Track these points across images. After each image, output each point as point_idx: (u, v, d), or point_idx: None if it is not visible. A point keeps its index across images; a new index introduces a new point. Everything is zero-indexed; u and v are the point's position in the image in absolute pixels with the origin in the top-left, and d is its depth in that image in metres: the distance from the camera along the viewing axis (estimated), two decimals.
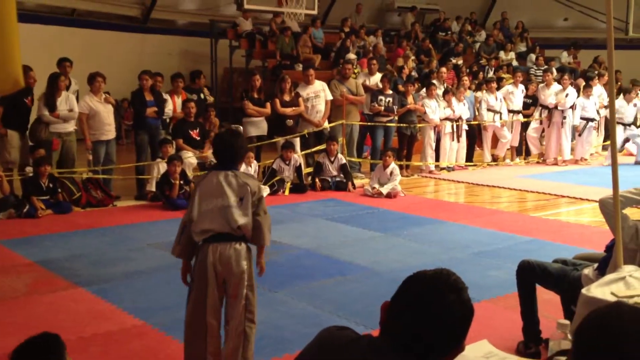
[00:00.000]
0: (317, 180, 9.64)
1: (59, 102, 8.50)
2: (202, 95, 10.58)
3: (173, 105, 9.95)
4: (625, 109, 12.36)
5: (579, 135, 12.29)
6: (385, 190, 9.14)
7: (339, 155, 9.93)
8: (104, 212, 8.29)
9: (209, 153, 9.65)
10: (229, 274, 3.43)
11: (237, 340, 3.44)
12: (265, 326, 4.42)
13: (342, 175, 9.77)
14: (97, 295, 5.04)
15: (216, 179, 3.45)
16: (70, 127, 8.68)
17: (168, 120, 9.84)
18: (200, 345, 3.46)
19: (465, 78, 12.56)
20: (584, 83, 12.98)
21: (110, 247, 6.49)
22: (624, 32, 16.98)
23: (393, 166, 9.43)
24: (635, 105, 12.59)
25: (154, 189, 8.82)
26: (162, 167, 8.83)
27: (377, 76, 11.56)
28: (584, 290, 2.92)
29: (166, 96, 9.81)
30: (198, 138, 9.54)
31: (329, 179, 9.71)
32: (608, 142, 12.51)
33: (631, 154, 13.16)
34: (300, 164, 9.75)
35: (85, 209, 8.34)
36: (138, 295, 5.04)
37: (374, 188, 9.25)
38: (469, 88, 12.29)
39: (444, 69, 12.90)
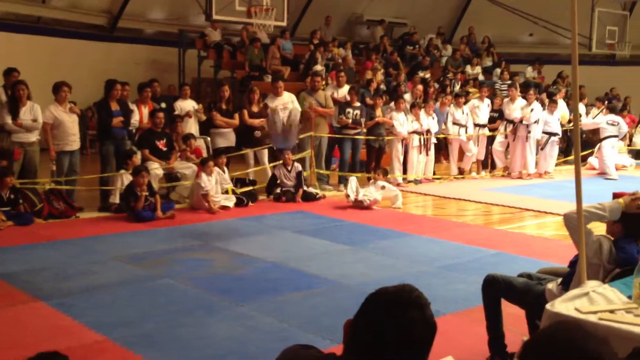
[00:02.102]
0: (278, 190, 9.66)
1: (22, 112, 8.34)
2: (162, 104, 10.52)
3: (140, 115, 9.85)
4: (551, 118, 12.54)
5: (542, 149, 12.47)
6: (367, 199, 9.15)
7: (295, 164, 9.90)
8: (66, 224, 8.13)
9: (175, 164, 9.56)
10: None
11: None
12: (230, 341, 4.37)
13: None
14: (57, 310, 4.92)
15: None
16: (33, 137, 8.50)
17: (134, 130, 9.72)
18: None
19: (449, 97, 12.63)
20: (547, 100, 13.17)
21: (73, 260, 6.34)
22: (587, 48, 17.37)
23: (384, 183, 9.48)
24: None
25: (117, 201, 8.68)
26: (126, 178, 8.70)
27: (345, 88, 11.60)
28: (548, 306, 2.93)
29: (132, 106, 9.69)
30: (165, 149, 9.44)
31: (292, 190, 9.68)
32: (571, 157, 12.73)
33: (593, 168, 13.40)
34: (301, 170, 9.92)
35: (47, 220, 8.17)
36: (100, 310, 4.94)
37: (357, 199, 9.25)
38: (444, 103, 12.36)
39: (420, 87, 12.85)
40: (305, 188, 9.78)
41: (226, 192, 9.22)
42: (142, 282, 5.68)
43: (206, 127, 10.63)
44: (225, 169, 9.53)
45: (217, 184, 9.08)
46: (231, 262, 6.41)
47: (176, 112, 10.45)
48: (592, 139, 13.98)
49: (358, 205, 9.21)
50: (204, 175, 8.90)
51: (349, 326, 1.66)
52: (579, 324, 1.48)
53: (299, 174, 9.80)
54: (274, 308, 5.02)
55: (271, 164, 10.22)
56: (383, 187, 9.39)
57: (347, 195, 9.33)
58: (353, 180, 9.52)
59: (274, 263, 6.35)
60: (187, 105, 10.69)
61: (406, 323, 1.58)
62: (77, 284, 5.59)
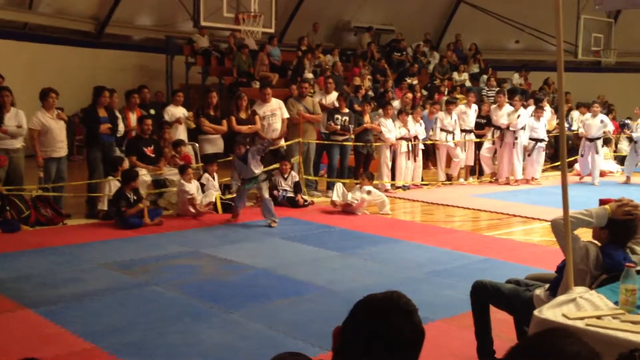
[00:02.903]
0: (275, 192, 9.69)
1: (7, 118, 8.28)
2: (151, 111, 10.50)
3: (128, 121, 9.80)
4: (537, 124, 12.59)
5: (528, 155, 12.55)
6: (354, 200, 9.19)
7: (292, 173, 9.95)
8: (53, 231, 8.08)
9: (164, 170, 9.54)
10: None
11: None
12: (219, 348, 4.36)
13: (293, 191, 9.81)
14: (45, 318, 4.88)
15: None
16: (18, 143, 8.45)
17: (121, 133, 9.64)
18: None
19: (437, 107, 12.66)
20: (533, 106, 13.24)
21: (60, 268, 6.31)
22: (573, 55, 17.53)
23: (370, 188, 9.50)
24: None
25: (105, 208, 8.63)
26: (114, 185, 8.66)
27: (334, 95, 11.63)
28: (536, 312, 2.95)
29: (117, 113, 9.63)
30: (152, 155, 9.42)
31: (280, 191, 9.73)
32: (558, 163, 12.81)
33: (579, 174, 13.48)
34: (298, 180, 9.96)
35: (34, 227, 8.11)
36: (88, 318, 4.91)
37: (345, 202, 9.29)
38: (432, 112, 12.41)
39: (409, 95, 12.90)
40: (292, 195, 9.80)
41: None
42: (130, 290, 5.65)
43: (194, 134, 10.61)
44: (215, 175, 9.55)
45: (198, 190, 9.05)
46: (219, 269, 6.39)
47: (166, 118, 10.39)
48: (578, 144, 14.08)
49: (346, 208, 9.24)
50: (184, 181, 8.92)
51: (338, 333, 1.67)
52: (566, 330, 1.49)
53: (296, 183, 9.82)
54: (263, 315, 5.01)
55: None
56: (369, 192, 9.41)
57: (333, 202, 9.37)
58: (339, 185, 9.54)
59: (262, 269, 6.34)
60: (177, 111, 10.60)
61: (395, 329, 1.59)
62: (64, 291, 5.56)
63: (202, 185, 9.35)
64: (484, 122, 12.69)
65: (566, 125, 12.82)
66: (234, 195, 8.96)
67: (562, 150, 3.59)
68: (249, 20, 11.81)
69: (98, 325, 4.75)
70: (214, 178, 9.46)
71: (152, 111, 10.65)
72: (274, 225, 8.33)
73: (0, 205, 7.90)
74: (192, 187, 8.94)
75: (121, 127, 9.56)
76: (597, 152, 12.68)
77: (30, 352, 4.22)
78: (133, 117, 9.93)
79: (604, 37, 18.49)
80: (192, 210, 8.82)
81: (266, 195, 8.47)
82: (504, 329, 4.22)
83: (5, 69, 10.75)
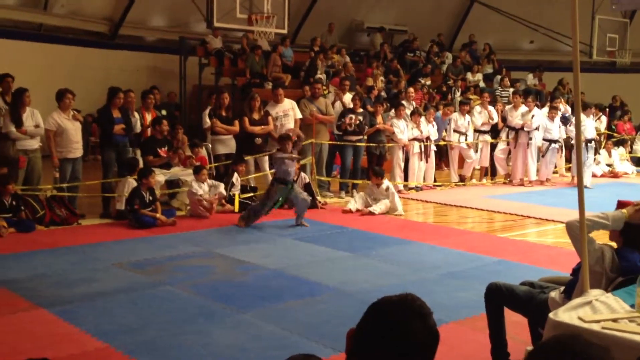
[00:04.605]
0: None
1: (24, 118, 8.34)
2: (163, 112, 10.51)
3: (144, 121, 9.83)
4: (551, 125, 12.49)
5: (542, 156, 12.46)
6: (377, 209, 9.21)
7: (302, 174, 9.91)
8: (68, 230, 8.13)
9: (177, 170, 9.57)
10: None
11: None
12: (232, 349, 4.36)
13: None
14: (59, 317, 4.91)
15: None
16: (36, 144, 8.51)
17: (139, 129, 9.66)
18: None
19: (451, 108, 12.63)
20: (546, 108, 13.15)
21: (74, 267, 6.34)
22: (587, 55, 17.41)
23: (387, 184, 9.49)
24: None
25: (123, 207, 8.65)
26: (130, 184, 8.70)
27: (348, 96, 11.62)
28: (551, 315, 2.93)
29: (135, 114, 9.65)
30: (166, 156, 9.45)
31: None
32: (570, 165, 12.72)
33: (594, 175, 13.38)
34: (309, 181, 9.95)
35: (49, 227, 8.16)
36: (101, 317, 4.93)
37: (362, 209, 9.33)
38: (446, 113, 12.38)
39: (411, 89, 12.99)
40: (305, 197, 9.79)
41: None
42: (144, 289, 5.67)
43: (207, 134, 10.62)
44: (237, 176, 9.60)
45: (210, 191, 9.05)
46: (232, 269, 6.40)
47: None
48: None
49: (367, 214, 9.25)
50: (194, 183, 8.94)
51: (352, 335, 1.66)
52: (582, 335, 1.48)
53: (307, 185, 9.79)
54: (275, 315, 5.01)
55: (271, 171, 10.21)
56: (387, 189, 9.41)
57: (350, 210, 9.35)
58: (359, 196, 9.57)
59: (275, 270, 6.34)
60: None
61: (409, 332, 1.58)
62: (78, 291, 5.58)
63: (232, 185, 9.41)
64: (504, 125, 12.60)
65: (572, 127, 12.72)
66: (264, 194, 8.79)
67: (578, 152, 3.56)
68: (262, 21, 11.82)
69: (111, 324, 4.77)
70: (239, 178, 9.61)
71: (164, 112, 10.68)
72: (305, 225, 8.39)
73: (15, 205, 7.96)
74: (203, 187, 8.95)
75: (138, 127, 9.57)
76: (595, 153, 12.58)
77: (44, 351, 4.24)
78: (149, 118, 9.97)
79: (619, 38, 18.36)
80: (203, 212, 8.83)
81: (302, 195, 8.53)
82: (518, 331, 4.20)
83: (20, 69, 10.82)
